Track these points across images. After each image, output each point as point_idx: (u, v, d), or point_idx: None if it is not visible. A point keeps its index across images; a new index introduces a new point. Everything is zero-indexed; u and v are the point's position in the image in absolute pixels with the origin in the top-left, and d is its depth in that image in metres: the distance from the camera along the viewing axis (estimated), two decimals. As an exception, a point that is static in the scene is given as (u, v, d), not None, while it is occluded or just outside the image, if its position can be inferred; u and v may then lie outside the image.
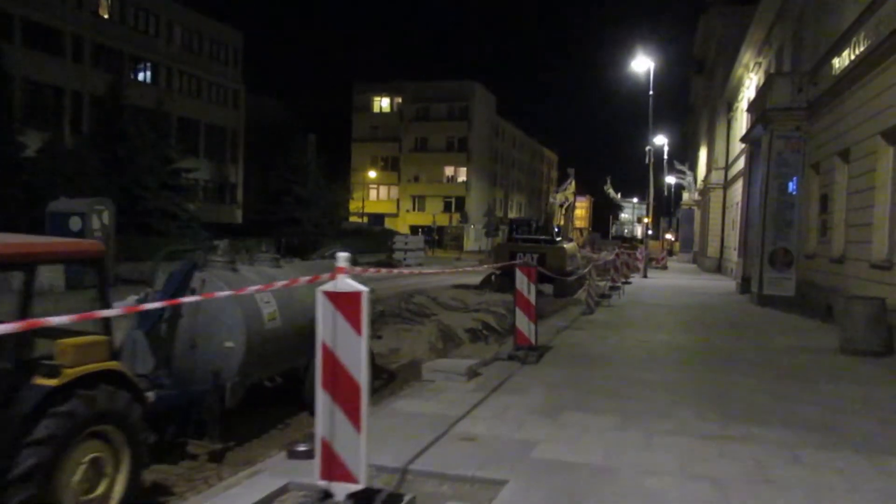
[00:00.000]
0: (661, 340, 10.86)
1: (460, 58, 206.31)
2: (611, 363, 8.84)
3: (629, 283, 26.08)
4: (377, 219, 52.29)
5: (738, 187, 31.22)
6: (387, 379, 10.89)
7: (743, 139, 21.65)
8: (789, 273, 17.00)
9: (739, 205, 30.39)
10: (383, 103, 71.89)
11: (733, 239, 32.95)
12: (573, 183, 31.26)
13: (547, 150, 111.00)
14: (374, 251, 41.47)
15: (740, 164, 30.53)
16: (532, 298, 8.88)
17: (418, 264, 36.19)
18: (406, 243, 35.67)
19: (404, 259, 35.32)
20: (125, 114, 30.81)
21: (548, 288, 23.29)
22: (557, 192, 30.16)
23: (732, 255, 33.05)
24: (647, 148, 31.84)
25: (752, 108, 20.58)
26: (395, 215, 70.31)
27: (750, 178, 20.79)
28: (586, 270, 16.76)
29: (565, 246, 25.50)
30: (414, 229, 67.85)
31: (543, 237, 26.05)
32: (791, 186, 17.13)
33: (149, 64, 41.38)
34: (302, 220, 41.96)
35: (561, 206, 29.68)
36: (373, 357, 8.70)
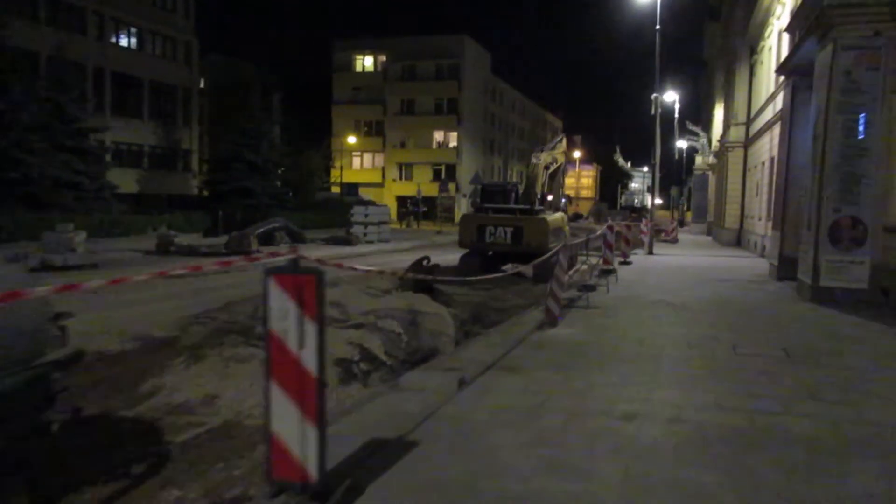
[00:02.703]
0: (661, 414, 5.22)
1: (450, 10, 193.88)
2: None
3: (628, 263, 20.46)
4: (352, 188, 46.70)
5: (764, 143, 25.49)
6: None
7: (780, 69, 15.89)
8: (860, 254, 11.33)
9: (766, 164, 24.66)
10: (366, 62, 65.53)
11: (756, 206, 27.27)
12: (564, 141, 25.46)
13: (550, 116, 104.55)
14: (340, 225, 36.08)
15: (767, 115, 24.75)
16: (311, 362, 3.31)
17: (381, 240, 30.62)
18: (366, 216, 29.97)
19: (364, 234, 29.71)
20: (8, 63, 25.06)
21: (529, 270, 17.75)
22: (542, 152, 24.37)
23: (755, 227, 27.40)
24: (654, 95, 25.94)
25: (795, 21, 14.72)
26: (381, 185, 64.46)
27: (791, 122, 15.01)
28: (550, 255, 11.09)
29: (547, 217, 19.88)
30: (402, 200, 62.28)
31: (521, 206, 20.39)
32: (861, 125, 11.38)
33: (70, 7, 35.29)
34: (254, 190, 36.34)
35: (546, 168, 23.94)
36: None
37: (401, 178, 64.36)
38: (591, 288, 13.19)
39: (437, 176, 62.86)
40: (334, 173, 59.12)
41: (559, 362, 6.93)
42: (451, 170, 62.16)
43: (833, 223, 11.44)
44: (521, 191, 22.76)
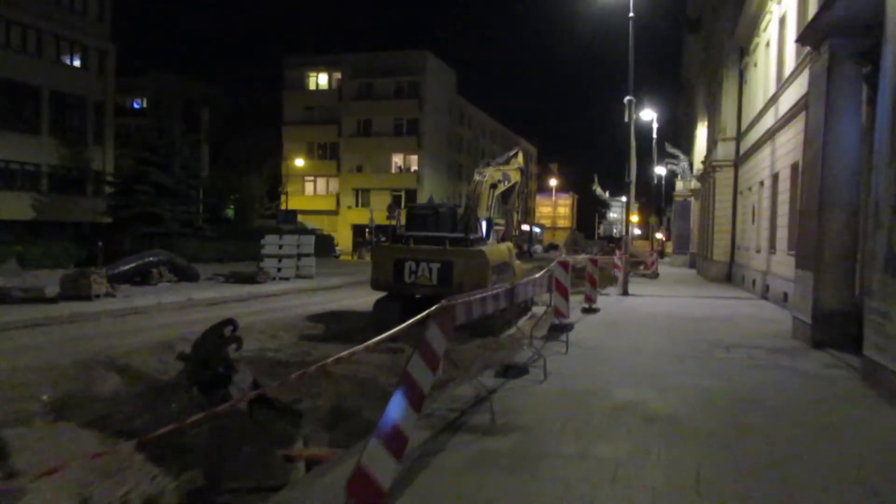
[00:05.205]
0: None
1: (414, 28, 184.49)
2: None
3: (594, 309, 15.22)
4: (289, 215, 41.29)
5: (763, 158, 20.57)
6: None
7: (806, 34, 10.75)
8: None
9: (767, 183, 19.70)
10: (320, 80, 60.35)
11: (753, 235, 22.27)
12: (520, 156, 20.04)
13: (525, 142, 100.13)
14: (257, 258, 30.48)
15: (767, 122, 19.81)
16: None
17: (304, 276, 25.14)
18: (280, 247, 24.54)
19: (278, 269, 24.25)
20: None
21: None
22: (489, 166, 19.07)
23: (751, 260, 22.37)
24: (627, 98, 20.93)
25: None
26: (335, 213, 59.02)
27: (828, 109, 9.94)
28: (417, 318, 5.72)
29: (486, 249, 14.59)
30: (358, 229, 57.05)
31: (453, 235, 15.04)
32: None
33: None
34: (163, 216, 30.82)
35: (493, 186, 18.59)
36: None
37: (357, 205, 58.98)
38: (519, 371, 7.87)
39: (397, 203, 57.70)
40: (282, 199, 53.77)
41: None
42: (412, 196, 56.94)
43: (943, 264, 6.27)
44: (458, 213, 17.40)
